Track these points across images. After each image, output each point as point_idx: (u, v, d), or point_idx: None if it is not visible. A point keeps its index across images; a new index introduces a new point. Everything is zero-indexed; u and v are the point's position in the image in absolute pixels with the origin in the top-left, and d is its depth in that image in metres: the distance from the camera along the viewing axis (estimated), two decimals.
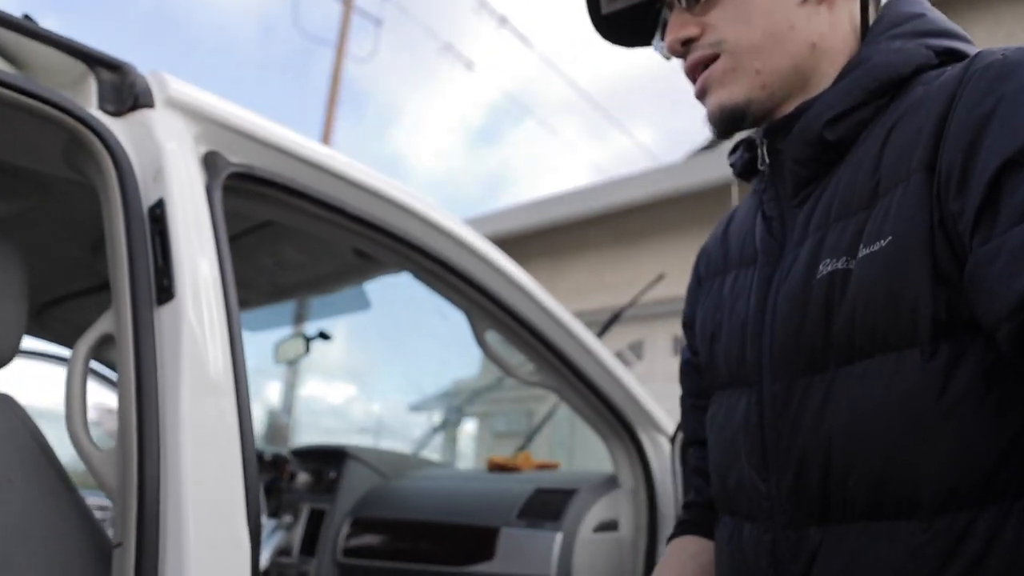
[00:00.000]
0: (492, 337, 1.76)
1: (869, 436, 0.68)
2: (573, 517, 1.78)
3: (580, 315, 6.69)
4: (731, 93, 0.81)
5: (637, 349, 6.03)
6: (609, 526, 1.84)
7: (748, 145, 0.90)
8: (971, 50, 0.77)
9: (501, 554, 1.81)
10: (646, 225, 6.01)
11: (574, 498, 1.82)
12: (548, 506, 1.83)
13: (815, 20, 0.80)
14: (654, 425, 1.85)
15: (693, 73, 0.84)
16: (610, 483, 1.89)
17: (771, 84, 0.80)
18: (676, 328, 5.88)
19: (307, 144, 1.36)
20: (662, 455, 1.84)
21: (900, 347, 0.66)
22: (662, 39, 0.88)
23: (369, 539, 2.08)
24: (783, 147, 0.82)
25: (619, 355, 6.05)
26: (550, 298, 1.68)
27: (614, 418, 1.80)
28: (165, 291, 1.00)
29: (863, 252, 0.69)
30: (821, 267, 0.73)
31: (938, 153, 0.66)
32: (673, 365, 5.11)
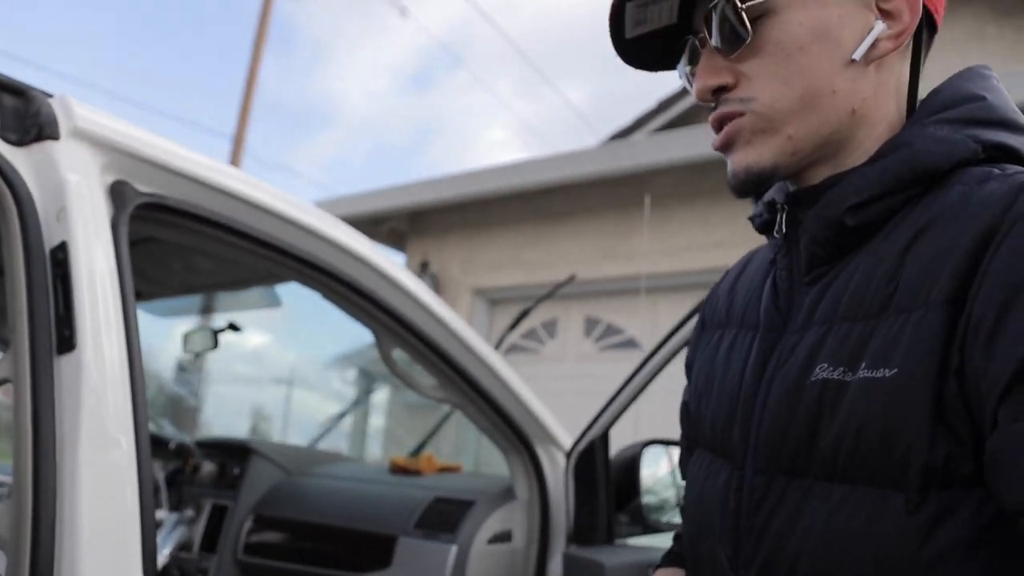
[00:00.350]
0: (398, 354, 1.80)
1: (838, 569, 0.64)
2: (468, 529, 1.85)
3: (497, 291, 6.81)
4: (759, 156, 0.74)
5: (550, 328, 6.14)
6: (503, 537, 1.92)
7: (768, 206, 0.84)
8: None
9: (398, 562, 1.87)
10: (566, 206, 6.09)
11: (471, 511, 1.89)
12: (445, 517, 1.90)
13: (860, 83, 0.73)
14: (551, 440, 1.93)
15: (718, 123, 0.77)
16: (506, 494, 1.97)
17: (802, 150, 0.74)
18: (589, 309, 6.01)
19: (219, 170, 1.36)
20: (557, 469, 1.92)
21: (885, 487, 0.62)
22: (687, 64, 0.82)
23: (270, 538, 2.12)
24: (803, 219, 0.76)
25: (532, 333, 6.16)
26: (455, 318, 1.73)
27: (512, 433, 1.87)
28: (66, 341, 1.00)
29: (864, 373, 0.65)
30: (818, 370, 0.69)
31: (967, 291, 0.61)
32: (585, 346, 5.26)
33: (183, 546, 2.20)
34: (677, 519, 1.92)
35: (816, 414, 0.68)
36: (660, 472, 1.99)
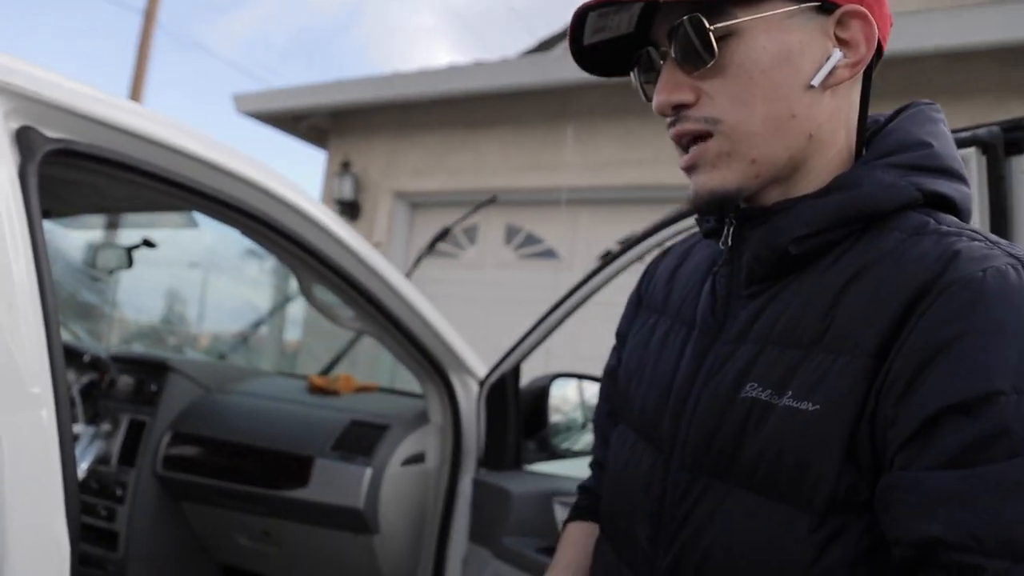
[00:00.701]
0: (318, 290, 1.84)
1: (743, 567, 0.72)
2: (383, 452, 1.95)
3: (419, 195, 6.79)
4: (723, 179, 0.77)
5: (471, 234, 6.18)
6: (416, 459, 2.02)
7: (718, 216, 0.87)
8: (962, 198, 0.77)
9: (315, 482, 1.96)
10: (491, 115, 6.04)
11: (386, 434, 1.98)
12: (361, 440, 1.99)
13: (816, 109, 0.76)
14: (465, 369, 2.01)
15: (680, 140, 0.79)
16: (420, 418, 2.06)
17: (764, 174, 0.77)
18: (510, 217, 6.07)
19: (130, 111, 1.34)
20: (471, 396, 2.01)
21: (794, 506, 0.69)
22: (642, 73, 0.83)
23: (189, 454, 2.17)
24: (749, 237, 0.80)
25: (452, 238, 6.20)
26: (371, 252, 1.76)
27: (427, 361, 1.94)
28: None
29: (788, 401, 0.70)
30: (748, 387, 0.74)
31: (891, 346, 0.66)
32: (504, 253, 5.35)
33: (101, 459, 2.24)
34: (580, 446, 2.05)
35: (742, 428, 0.74)
36: (568, 403, 2.11)
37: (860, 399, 0.66)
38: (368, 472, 1.92)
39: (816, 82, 0.75)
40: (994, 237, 0.70)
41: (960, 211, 0.77)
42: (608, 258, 1.70)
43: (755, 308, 0.79)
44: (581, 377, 2.08)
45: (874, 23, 0.76)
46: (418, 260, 3.13)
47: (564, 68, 5.45)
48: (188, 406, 2.29)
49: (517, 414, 1.94)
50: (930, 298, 0.65)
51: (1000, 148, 1.08)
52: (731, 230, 0.83)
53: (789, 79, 0.74)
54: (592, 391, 2.10)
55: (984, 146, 1.09)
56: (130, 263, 2.28)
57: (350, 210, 6.54)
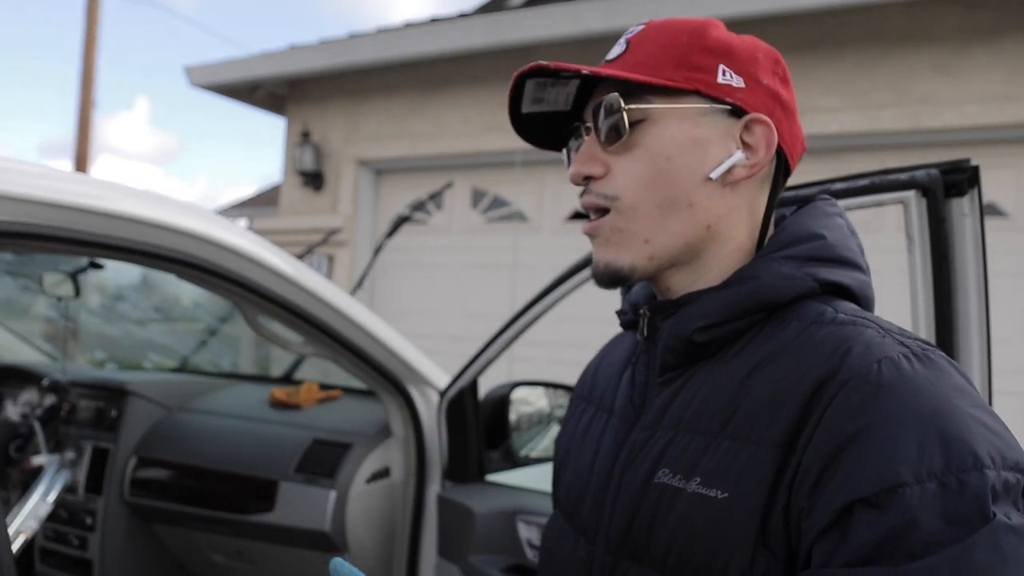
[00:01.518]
0: (264, 318, 1.81)
1: None
2: (347, 472, 1.94)
3: (382, 162, 6.69)
4: (617, 255, 0.81)
5: (437, 200, 6.11)
6: (381, 474, 2.02)
7: (633, 308, 0.92)
8: (859, 286, 0.80)
9: (280, 506, 1.96)
10: (450, 75, 5.91)
11: (348, 452, 1.98)
12: (324, 460, 1.98)
13: (716, 201, 0.80)
14: (424, 381, 1.99)
15: (586, 208, 0.83)
16: (383, 432, 2.05)
17: (659, 257, 0.81)
18: (476, 179, 6.00)
19: (48, 179, 1.29)
20: (431, 408, 2.00)
21: None
22: (572, 149, 0.88)
23: (155, 478, 2.16)
24: (660, 328, 0.84)
25: (419, 204, 6.13)
26: (312, 277, 1.73)
27: (382, 377, 1.92)
28: None
29: (696, 487, 0.73)
30: (660, 473, 0.77)
31: (796, 438, 0.68)
32: (472, 217, 5.31)
33: (68, 488, 2.22)
34: (542, 451, 2.05)
35: (655, 513, 0.77)
36: (529, 405, 2.10)
37: (767, 488, 0.69)
38: (332, 494, 1.92)
39: (714, 175, 0.79)
40: (886, 324, 0.73)
41: (859, 298, 0.80)
42: (566, 273, 1.67)
43: (668, 395, 0.82)
44: (541, 384, 2.07)
45: (774, 131, 0.81)
46: (377, 250, 3.09)
47: (522, 26, 5.32)
48: (150, 429, 2.27)
49: (477, 428, 1.94)
50: (830, 391, 0.68)
51: (940, 191, 1.06)
52: (645, 321, 0.87)
53: (691, 169, 0.79)
54: (553, 396, 2.10)
55: (923, 189, 1.06)
56: (77, 291, 2.23)
57: (313, 180, 6.43)
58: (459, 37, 5.54)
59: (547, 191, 5.73)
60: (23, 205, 1.21)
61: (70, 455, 2.28)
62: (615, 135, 0.79)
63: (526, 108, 0.86)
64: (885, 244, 4.67)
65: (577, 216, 5.60)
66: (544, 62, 0.79)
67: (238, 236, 1.60)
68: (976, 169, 1.05)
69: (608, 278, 0.82)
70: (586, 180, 0.82)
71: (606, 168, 0.81)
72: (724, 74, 0.80)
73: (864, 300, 0.81)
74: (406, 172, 6.32)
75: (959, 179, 1.05)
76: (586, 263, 1.64)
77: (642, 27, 0.84)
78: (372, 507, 2.00)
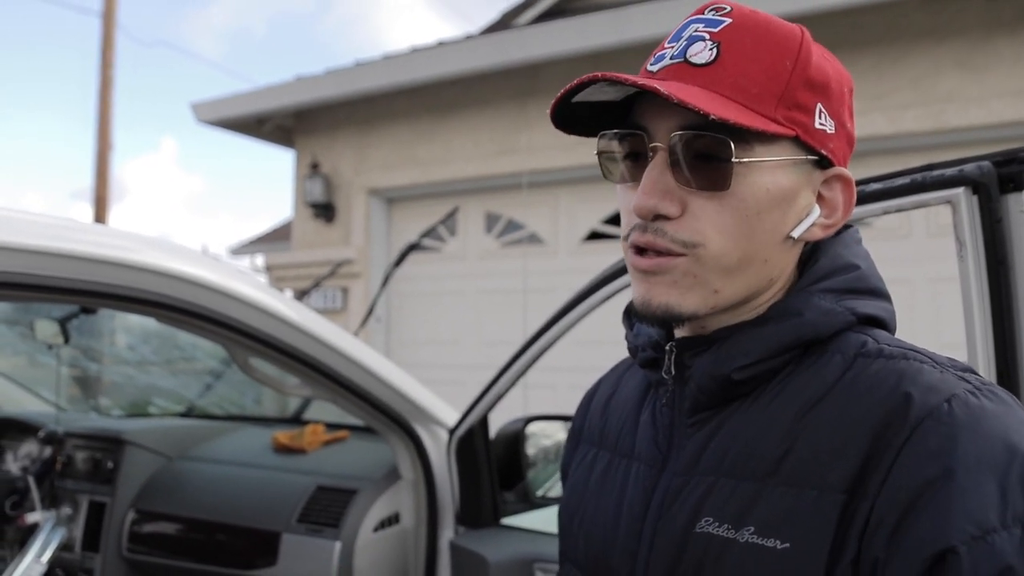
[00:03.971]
0: (256, 361, 1.69)
1: None
2: (352, 521, 1.81)
3: (393, 190, 6.60)
4: (681, 299, 0.73)
5: (450, 225, 6.00)
6: (391, 520, 1.89)
7: (655, 345, 0.83)
8: (890, 317, 0.78)
9: (284, 559, 1.83)
10: (457, 98, 5.82)
11: (354, 499, 1.85)
12: (328, 509, 1.86)
13: (786, 256, 0.76)
14: (431, 419, 1.87)
15: (645, 244, 0.73)
16: (391, 475, 1.92)
17: (721, 305, 0.75)
18: (489, 204, 5.90)
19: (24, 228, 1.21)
20: (441, 448, 1.87)
21: None
22: (618, 149, 0.76)
23: (155, 533, 2.05)
24: (690, 365, 0.78)
25: (433, 232, 6.03)
26: (307, 315, 1.62)
27: (386, 417, 1.80)
28: None
29: (751, 538, 0.68)
30: (703, 522, 0.72)
31: (864, 483, 0.65)
32: (487, 242, 5.20)
33: (64, 546, 2.12)
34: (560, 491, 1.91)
35: (699, 566, 0.71)
36: (547, 439, 1.97)
37: (832, 537, 0.65)
38: (337, 546, 1.79)
39: (796, 235, 0.74)
40: (934, 355, 0.71)
41: (889, 329, 0.78)
42: (568, 305, 1.54)
43: (702, 438, 0.76)
44: (557, 418, 1.94)
45: (854, 190, 0.76)
46: (386, 280, 2.97)
47: (529, 44, 5.24)
48: (149, 480, 2.16)
49: (489, 467, 1.80)
50: (901, 433, 0.64)
51: (994, 186, 0.92)
52: (672, 359, 0.80)
53: (775, 226, 0.73)
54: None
55: (974, 185, 0.93)
56: (66, 337, 2.14)
57: (324, 212, 6.36)
58: (466, 59, 5.46)
59: (561, 212, 5.61)
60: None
61: (66, 511, 2.18)
62: (710, 184, 0.70)
63: (578, 99, 0.74)
64: (915, 251, 4.50)
65: (593, 237, 5.47)
66: (627, 76, 0.68)
67: (227, 276, 1.49)
68: None
69: (662, 319, 0.75)
70: (656, 218, 0.72)
71: (683, 207, 0.71)
72: (820, 116, 0.72)
73: (892, 330, 0.79)
74: (418, 199, 6.23)
75: (1017, 171, 0.91)
76: (599, 285, 1.51)
77: (728, 20, 0.72)
78: (381, 557, 1.87)
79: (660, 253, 0.72)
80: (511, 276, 5.59)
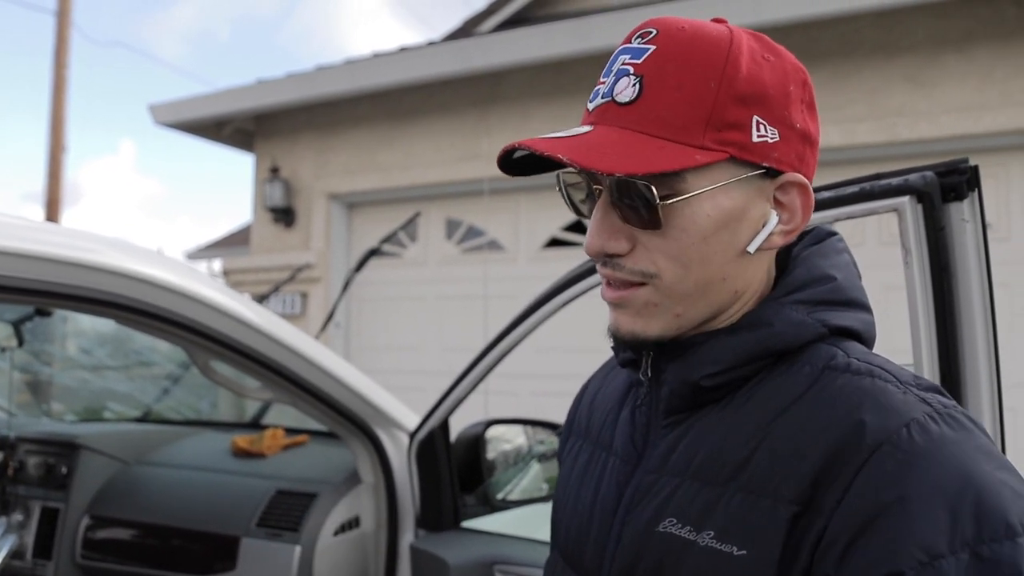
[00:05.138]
0: (218, 363, 1.68)
1: None
2: (312, 525, 1.81)
3: (354, 195, 6.56)
4: (646, 326, 0.76)
5: (411, 231, 6.00)
6: (351, 524, 1.89)
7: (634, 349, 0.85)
8: (866, 328, 0.78)
9: (243, 563, 1.82)
10: (419, 105, 5.82)
11: (314, 503, 1.85)
12: (288, 513, 1.85)
13: (748, 268, 0.76)
14: (392, 423, 1.87)
15: (606, 277, 0.77)
16: (352, 479, 1.92)
17: (685, 326, 0.77)
18: (450, 210, 5.90)
19: None
20: (402, 451, 1.88)
21: None
22: (570, 187, 0.80)
23: (111, 538, 2.02)
24: (665, 369, 0.79)
25: (393, 237, 6.01)
26: (268, 317, 1.61)
27: (347, 420, 1.80)
28: None
29: (710, 541, 0.70)
30: (666, 522, 0.74)
31: (815, 497, 0.66)
32: (448, 248, 5.20)
33: (15, 553, 2.07)
34: (521, 493, 1.93)
35: (659, 565, 0.73)
36: (506, 443, 1.98)
37: (782, 546, 0.66)
38: (297, 550, 1.79)
39: (752, 249, 0.74)
40: (900, 372, 0.72)
41: (865, 339, 0.78)
42: (529, 309, 1.56)
43: (673, 439, 0.78)
44: (517, 422, 1.95)
45: (812, 193, 0.76)
46: (346, 285, 2.97)
47: (491, 52, 5.26)
48: (105, 485, 2.12)
49: (450, 471, 1.81)
50: (859, 455, 0.65)
51: (937, 195, 0.96)
52: (649, 361, 0.82)
53: (726, 246, 0.73)
54: (531, 434, 1.97)
55: (919, 194, 0.97)
56: (20, 340, 2.10)
57: (284, 217, 6.31)
58: (428, 65, 5.47)
59: (522, 219, 5.63)
60: None
61: (17, 517, 2.13)
62: (644, 223, 0.72)
63: (519, 154, 0.77)
64: (868, 259, 4.61)
65: (553, 244, 5.51)
66: (555, 153, 0.68)
67: (186, 277, 1.49)
68: (975, 170, 0.95)
69: (631, 344, 0.79)
70: (610, 256, 0.75)
71: (632, 243, 0.74)
72: (759, 128, 0.71)
73: (868, 341, 0.79)
74: (378, 205, 6.21)
75: (957, 181, 0.95)
76: (558, 290, 1.53)
77: (652, 48, 0.71)
78: (341, 561, 1.86)
79: (623, 284, 0.75)
80: (471, 282, 5.60)
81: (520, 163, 0.79)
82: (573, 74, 5.10)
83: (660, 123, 0.69)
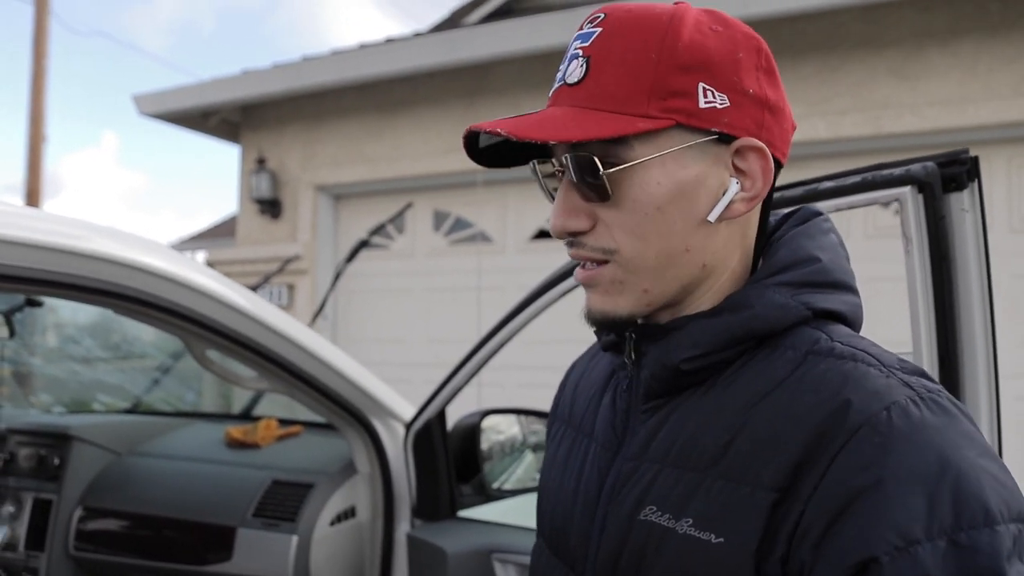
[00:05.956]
0: (213, 353, 1.68)
1: None
2: (309, 515, 1.81)
3: (341, 187, 6.53)
4: (615, 305, 0.76)
5: (399, 223, 5.99)
6: (347, 514, 1.89)
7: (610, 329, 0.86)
8: (851, 311, 0.77)
9: (239, 554, 1.82)
10: (406, 96, 5.81)
11: (310, 493, 1.85)
12: (284, 503, 1.85)
13: (712, 240, 0.75)
14: (388, 413, 1.88)
15: (573, 257, 0.78)
16: (347, 469, 1.93)
17: (656, 302, 0.76)
18: (437, 201, 5.89)
19: None
20: (397, 441, 1.89)
21: None
22: (541, 174, 0.81)
23: (104, 530, 2.01)
24: (646, 353, 0.79)
25: (381, 229, 5.99)
26: (264, 307, 1.61)
27: (343, 410, 1.81)
28: None
29: (689, 529, 0.70)
30: (647, 510, 0.74)
31: (797, 484, 0.65)
32: (435, 240, 5.20)
33: (7, 545, 2.07)
34: (516, 483, 1.94)
35: (641, 552, 0.73)
36: (502, 433, 1.99)
37: (762, 533, 0.66)
38: (294, 539, 1.79)
39: (712, 218, 0.74)
40: (884, 356, 0.71)
41: (851, 322, 0.77)
42: (533, 293, 1.57)
43: (653, 424, 0.78)
44: (512, 412, 1.97)
45: (769, 156, 0.74)
46: (336, 277, 2.97)
47: (478, 43, 5.25)
48: (98, 476, 2.12)
49: (447, 461, 1.82)
50: (837, 439, 0.64)
51: (937, 185, 0.98)
52: (631, 345, 0.82)
53: (684, 215, 0.73)
54: (525, 423, 1.99)
55: (920, 184, 0.98)
56: (11, 331, 2.08)
57: (270, 208, 6.27)
58: (415, 56, 5.45)
59: (510, 210, 5.64)
60: None
61: (9, 509, 2.12)
62: (596, 195, 0.73)
63: (484, 143, 0.79)
64: (854, 252, 4.64)
65: (542, 235, 5.52)
66: (495, 129, 0.71)
67: (183, 266, 1.48)
68: (975, 160, 0.97)
69: (605, 324, 0.79)
70: (573, 234, 0.76)
71: (593, 220, 0.75)
72: (706, 95, 0.71)
73: (855, 324, 0.78)
74: (366, 196, 6.20)
75: (958, 172, 0.97)
76: (553, 283, 1.54)
77: (599, 30, 0.73)
78: (338, 551, 1.87)
79: (592, 263, 0.76)
80: (459, 274, 5.60)
81: (490, 153, 0.81)
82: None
83: (606, 97, 0.71)
